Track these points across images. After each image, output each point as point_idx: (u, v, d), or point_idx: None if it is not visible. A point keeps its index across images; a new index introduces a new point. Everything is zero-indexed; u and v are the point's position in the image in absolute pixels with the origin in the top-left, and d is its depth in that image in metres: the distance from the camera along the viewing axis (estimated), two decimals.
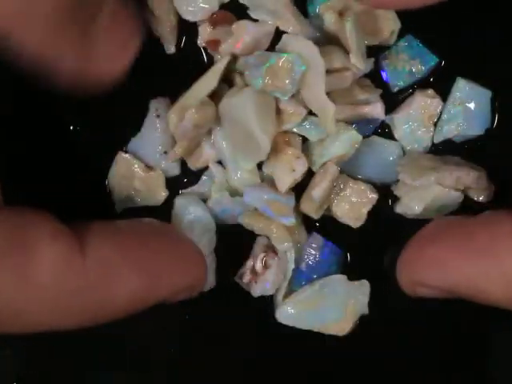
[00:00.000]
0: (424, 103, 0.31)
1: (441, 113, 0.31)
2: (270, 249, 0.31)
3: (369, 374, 0.32)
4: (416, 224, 0.29)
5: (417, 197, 0.30)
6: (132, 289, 0.25)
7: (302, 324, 0.31)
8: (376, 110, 0.31)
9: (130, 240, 0.26)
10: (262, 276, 0.31)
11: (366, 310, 0.31)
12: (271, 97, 0.29)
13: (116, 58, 0.27)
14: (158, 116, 0.31)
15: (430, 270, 0.27)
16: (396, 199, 0.31)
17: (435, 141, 0.32)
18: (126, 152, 0.31)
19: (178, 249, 0.27)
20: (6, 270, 0.22)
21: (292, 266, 0.31)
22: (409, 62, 0.31)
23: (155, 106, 0.31)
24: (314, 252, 0.31)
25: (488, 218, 0.26)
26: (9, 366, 0.32)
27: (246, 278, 0.31)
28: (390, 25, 0.31)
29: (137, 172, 0.31)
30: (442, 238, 0.27)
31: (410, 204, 0.31)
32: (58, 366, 0.32)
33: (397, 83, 0.31)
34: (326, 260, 0.31)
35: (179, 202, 0.31)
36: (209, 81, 0.29)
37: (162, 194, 0.31)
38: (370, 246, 0.32)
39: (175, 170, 0.32)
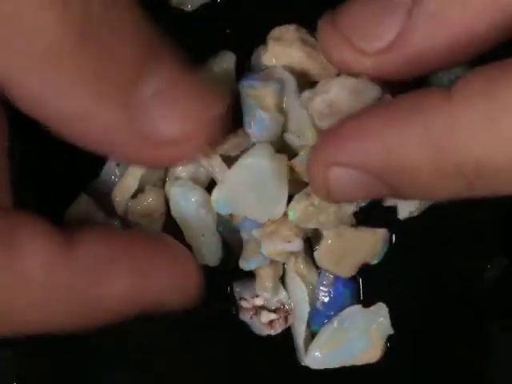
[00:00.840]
0: None
1: None
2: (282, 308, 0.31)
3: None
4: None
5: None
6: (122, 287, 0.24)
7: (333, 363, 0.31)
8: None
9: (121, 239, 0.25)
10: (264, 318, 0.31)
11: (390, 331, 0.31)
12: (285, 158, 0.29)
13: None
14: (117, 165, 0.30)
15: (347, 143, 0.24)
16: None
17: None
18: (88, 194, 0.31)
19: (170, 252, 0.27)
20: None
21: (307, 309, 0.30)
22: None
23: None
24: (326, 289, 0.31)
25: (412, 95, 0.24)
26: (9, 365, 0.32)
27: (247, 311, 0.31)
28: None
29: (95, 214, 0.30)
30: (361, 113, 0.24)
31: (408, 202, 0.30)
32: (58, 366, 0.32)
33: None
34: (341, 294, 0.31)
35: (175, 191, 0.30)
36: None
37: None
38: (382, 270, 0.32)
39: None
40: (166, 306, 0.26)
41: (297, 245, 0.29)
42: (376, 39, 0.24)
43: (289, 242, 0.29)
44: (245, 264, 0.30)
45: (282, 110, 0.29)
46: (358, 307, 0.31)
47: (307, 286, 0.31)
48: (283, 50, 0.30)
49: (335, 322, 0.31)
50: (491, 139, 0.22)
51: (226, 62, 0.31)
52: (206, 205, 0.30)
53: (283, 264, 0.31)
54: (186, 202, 0.30)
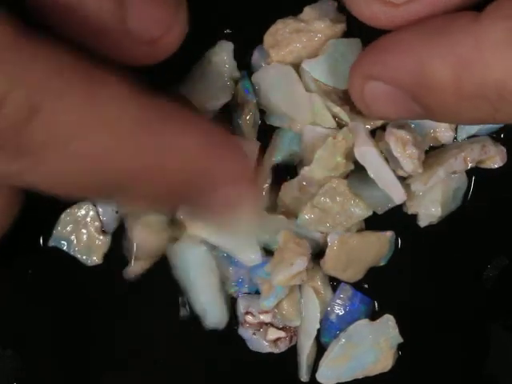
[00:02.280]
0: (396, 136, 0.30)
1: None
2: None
3: None
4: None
5: (429, 202, 0.30)
6: (187, 144, 0.23)
7: (345, 377, 0.31)
8: None
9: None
10: (271, 336, 0.31)
11: (399, 340, 0.31)
12: None
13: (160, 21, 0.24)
14: None
15: (382, 55, 0.24)
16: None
17: (459, 138, 0.31)
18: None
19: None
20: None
21: (317, 326, 0.30)
22: None
23: None
24: (343, 303, 0.31)
25: (445, 16, 0.24)
26: (9, 365, 0.32)
27: (251, 327, 0.31)
28: None
29: (90, 225, 0.31)
30: (399, 29, 0.25)
31: (429, 212, 0.31)
32: (58, 366, 0.32)
33: None
34: (356, 310, 0.31)
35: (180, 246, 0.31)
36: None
37: (95, 258, 0.31)
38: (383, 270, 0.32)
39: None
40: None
41: (300, 264, 0.29)
42: None
43: (291, 264, 0.29)
44: (266, 304, 0.30)
45: None
46: (365, 321, 0.31)
47: (321, 303, 0.31)
48: (284, 53, 0.30)
49: (342, 338, 0.31)
50: None
51: (225, 51, 0.31)
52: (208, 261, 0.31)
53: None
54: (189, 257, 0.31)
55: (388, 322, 0.31)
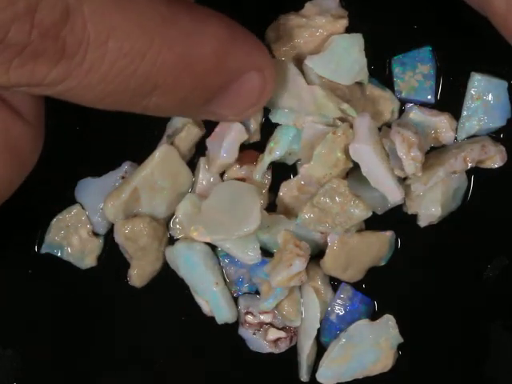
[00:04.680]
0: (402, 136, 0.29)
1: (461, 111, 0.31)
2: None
3: None
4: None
5: (429, 202, 0.30)
6: (216, 31, 0.24)
7: (345, 377, 0.31)
8: None
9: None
10: (272, 336, 0.31)
11: (400, 339, 0.31)
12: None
13: None
14: (122, 177, 0.31)
15: None
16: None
17: (458, 138, 0.31)
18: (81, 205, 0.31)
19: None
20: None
21: (317, 325, 0.30)
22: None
23: (125, 167, 0.31)
24: (343, 303, 0.31)
25: None
26: (9, 365, 0.32)
27: (251, 326, 0.31)
28: (388, 105, 0.31)
29: (81, 228, 0.31)
30: None
31: (429, 212, 0.31)
32: (58, 366, 0.32)
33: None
34: (356, 310, 0.31)
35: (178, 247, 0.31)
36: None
37: (89, 262, 0.31)
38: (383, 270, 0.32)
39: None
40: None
41: (298, 265, 0.29)
42: None
43: (290, 265, 0.29)
44: (265, 305, 0.30)
45: None
46: (365, 321, 0.31)
47: (321, 303, 0.31)
48: (285, 49, 0.30)
49: (343, 339, 0.30)
50: None
51: None
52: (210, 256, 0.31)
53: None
54: (190, 255, 0.30)
55: (388, 322, 0.31)
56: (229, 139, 0.30)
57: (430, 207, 0.31)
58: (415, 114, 0.31)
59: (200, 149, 0.31)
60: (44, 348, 0.32)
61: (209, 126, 0.31)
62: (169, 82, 0.23)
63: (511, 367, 0.32)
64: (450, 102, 0.31)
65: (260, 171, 0.30)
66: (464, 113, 0.31)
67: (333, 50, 0.30)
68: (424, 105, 0.31)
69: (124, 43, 0.22)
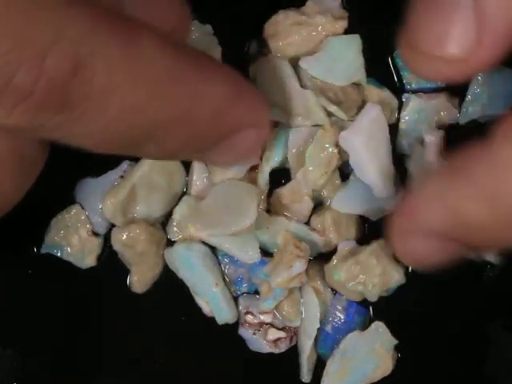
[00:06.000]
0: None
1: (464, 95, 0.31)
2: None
3: None
4: None
5: None
6: (219, 89, 0.24)
7: None
8: None
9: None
10: (272, 336, 0.31)
11: (394, 342, 0.31)
12: None
13: None
14: (121, 177, 0.31)
15: (415, 214, 0.24)
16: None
17: (461, 122, 0.31)
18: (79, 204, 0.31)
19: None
20: None
21: (317, 325, 0.30)
22: None
23: (124, 166, 0.31)
24: (339, 314, 0.31)
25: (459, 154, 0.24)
26: (9, 365, 0.32)
27: (251, 326, 0.31)
28: (387, 104, 0.31)
29: (81, 228, 0.31)
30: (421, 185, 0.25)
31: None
32: (58, 366, 0.32)
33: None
34: (351, 320, 0.31)
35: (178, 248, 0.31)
36: None
37: (89, 261, 0.31)
38: None
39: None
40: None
41: (299, 266, 0.29)
42: (452, 45, 0.23)
43: (290, 266, 0.29)
44: (265, 305, 0.30)
45: None
46: (356, 333, 0.31)
47: (321, 303, 0.31)
48: (282, 45, 0.30)
49: (337, 355, 0.30)
50: None
51: (199, 31, 0.31)
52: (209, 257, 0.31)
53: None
54: (190, 256, 0.30)
55: (378, 329, 0.30)
56: None
57: None
58: (414, 103, 0.31)
59: None
60: (44, 348, 0.32)
61: None
62: (164, 135, 0.24)
63: (511, 367, 0.32)
64: (459, 86, 0.31)
65: (262, 180, 0.30)
66: (468, 97, 0.31)
67: (328, 51, 0.30)
68: (432, 91, 0.31)
69: (127, 99, 0.22)
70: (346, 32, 0.31)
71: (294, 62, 0.30)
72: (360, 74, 0.30)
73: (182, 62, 0.23)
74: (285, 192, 0.30)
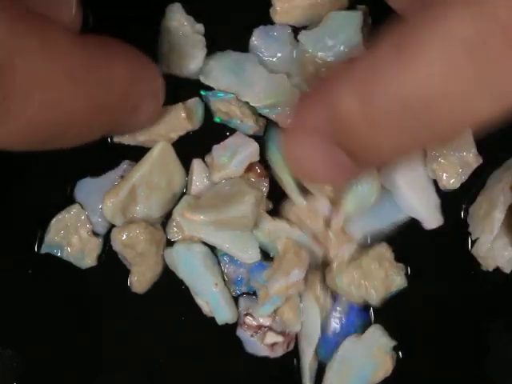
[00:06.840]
0: None
1: None
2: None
3: None
4: None
5: (501, 247, 0.31)
6: (124, 71, 0.26)
7: None
8: None
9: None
10: (269, 340, 0.31)
11: (392, 343, 0.31)
12: None
13: None
14: (121, 177, 0.31)
15: (301, 114, 0.24)
16: None
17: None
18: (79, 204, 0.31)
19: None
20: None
21: (318, 332, 0.30)
22: None
23: (124, 166, 0.31)
24: (339, 316, 0.31)
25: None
26: (9, 365, 0.32)
27: (249, 329, 0.31)
28: None
29: (81, 228, 0.31)
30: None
31: (505, 256, 0.31)
32: (58, 366, 0.32)
33: None
34: (352, 324, 0.31)
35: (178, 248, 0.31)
36: None
37: (89, 261, 0.31)
38: None
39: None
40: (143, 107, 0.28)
41: (296, 274, 0.29)
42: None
43: (288, 274, 0.29)
44: (262, 311, 0.30)
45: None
46: (353, 338, 0.31)
47: (321, 310, 0.30)
48: (288, 6, 0.30)
49: (335, 364, 0.30)
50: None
51: (176, 12, 0.31)
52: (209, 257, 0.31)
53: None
54: (190, 256, 0.30)
55: (375, 332, 0.31)
56: (243, 155, 0.30)
57: (503, 251, 0.30)
58: None
59: (196, 151, 0.31)
60: (44, 348, 0.32)
61: (218, 135, 0.31)
62: (82, 124, 0.25)
63: (511, 367, 0.32)
64: None
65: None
66: None
67: (327, 26, 0.30)
68: None
69: (47, 94, 0.22)
70: (350, 7, 0.30)
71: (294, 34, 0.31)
72: (358, 51, 0.30)
73: (89, 50, 0.24)
74: (303, 207, 0.30)
